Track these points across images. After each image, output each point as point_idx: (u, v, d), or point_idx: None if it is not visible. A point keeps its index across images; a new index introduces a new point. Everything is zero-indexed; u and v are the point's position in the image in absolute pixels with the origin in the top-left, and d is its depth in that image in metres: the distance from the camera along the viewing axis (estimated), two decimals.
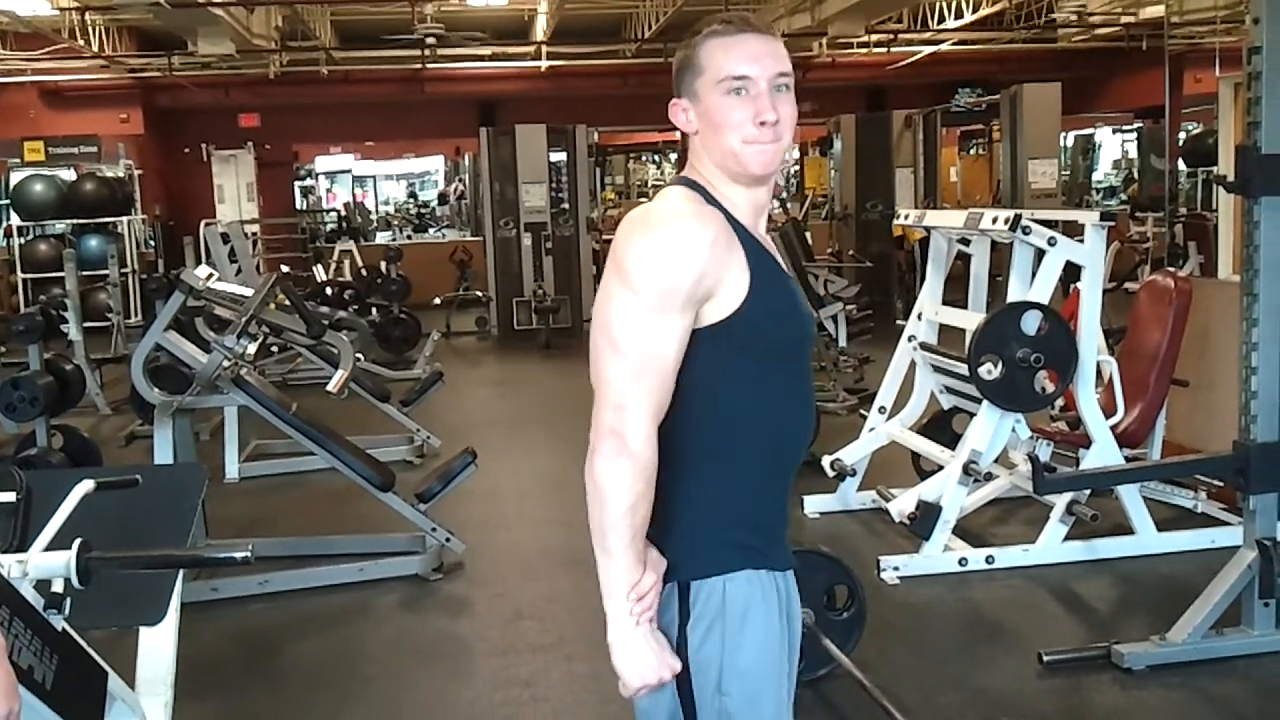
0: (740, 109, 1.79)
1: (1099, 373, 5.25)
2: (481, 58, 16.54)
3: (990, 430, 5.12)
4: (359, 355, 6.73)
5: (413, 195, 25.07)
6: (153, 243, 15.79)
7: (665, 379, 1.75)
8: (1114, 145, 20.10)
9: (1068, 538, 5.11)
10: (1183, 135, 13.51)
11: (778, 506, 1.89)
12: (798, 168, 20.06)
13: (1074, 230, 5.33)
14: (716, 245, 1.75)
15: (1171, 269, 7.13)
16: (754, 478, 1.84)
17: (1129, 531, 5.17)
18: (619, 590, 1.74)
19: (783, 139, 1.82)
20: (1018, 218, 5.08)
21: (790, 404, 1.86)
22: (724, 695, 1.77)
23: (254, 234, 14.78)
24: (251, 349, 5.30)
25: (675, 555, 1.79)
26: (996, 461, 5.46)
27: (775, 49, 1.82)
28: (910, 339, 5.98)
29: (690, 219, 1.78)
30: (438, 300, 14.04)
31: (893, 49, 16.13)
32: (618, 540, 1.72)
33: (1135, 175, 18.41)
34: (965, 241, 5.88)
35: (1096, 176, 19.83)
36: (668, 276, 1.73)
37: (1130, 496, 5.18)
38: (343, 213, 20.58)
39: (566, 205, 13.60)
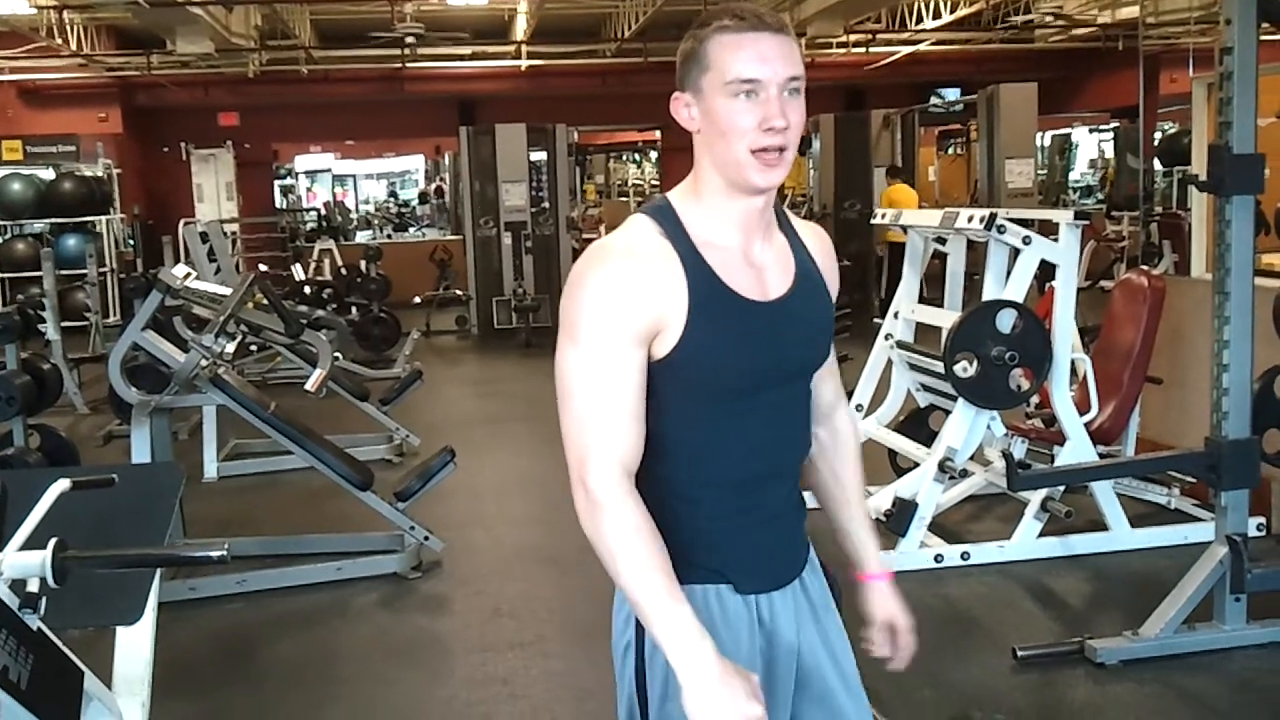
0: (748, 114, 1.68)
1: (1073, 370, 5.29)
2: (461, 57, 16.52)
3: (966, 427, 5.15)
4: (338, 354, 6.73)
5: (393, 194, 25.02)
6: (131, 242, 15.71)
7: (623, 419, 1.70)
8: (1090, 145, 20.19)
9: (1042, 534, 5.15)
10: (1158, 135, 13.60)
11: (741, 529, 1.82)
12: None
13: (1050, 229, 5.37)
14: (648, 282, 1.69)
15: (1146, 267, 7.17)
16: (707, 501, 1.79)
17: (1103, 527, 5.21)
18: (664, 633, 1.64)
19: (789, 148, 1.72)
20: (993, 217, 5.12)
21: (749, 435, 1.79)
22: (668, 701, 1.73)
23: (233, 233, 14.74)
24: (230, 348, 5.29)
25: None
26: (972, 459, 5.51)
27: (787, 50, 1.70)
28: (887, 337, 6.01)
29: (619, 258, 1.72)
30: (417, 299, 14.04)
31: (871, 49, 16.16)
32: (632, 584, 1.66)
33: (1111, 175, 18.50)
34: (942, 240, 5.92)
35: (1073, 176, 19.91)
36: (600, 320, 1.68)
37: (1104, 493, 5.22)
38: (322, 212, 20.50)
39: (546, 204, 13.59)
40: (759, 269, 1.79)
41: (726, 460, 1.79)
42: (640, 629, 1.75)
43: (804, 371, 1.89)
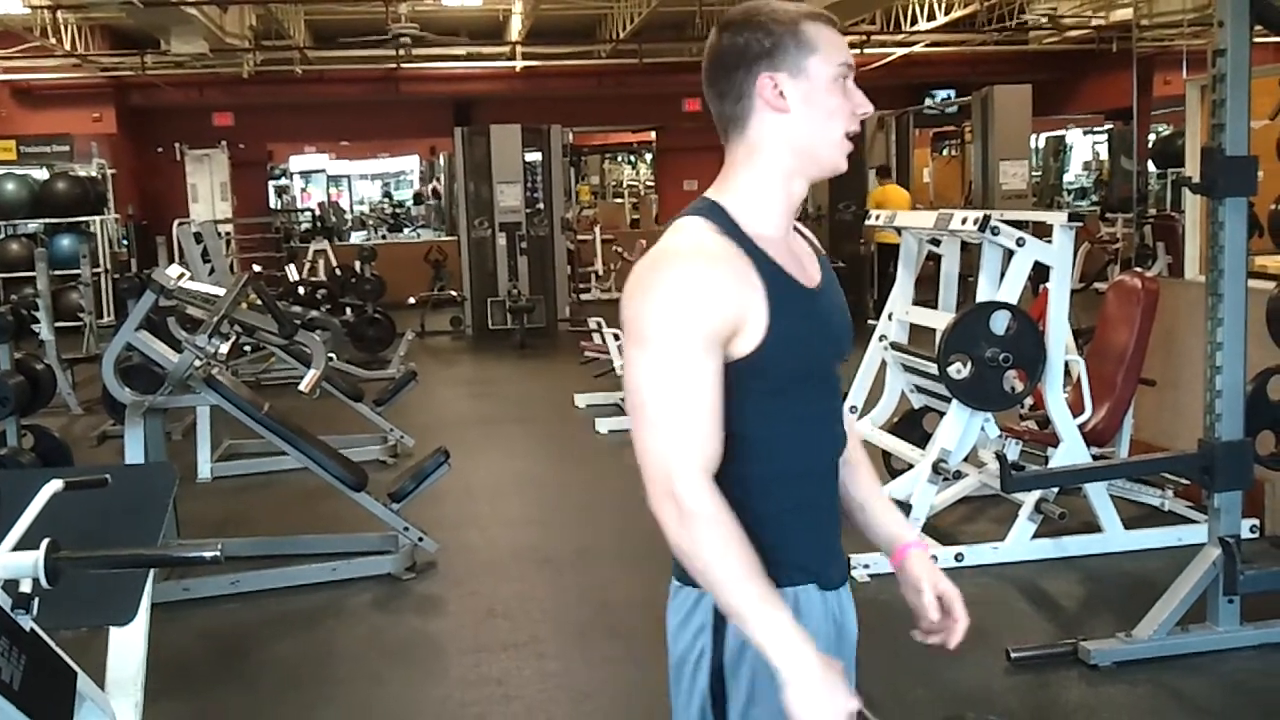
0: (846, 100, 1.73)
1: (1067, 372, 5.29)
2: (456, 58, 16.53)
3: (959, 429, 5.15)
4: (332, 355, 6.72)
5: (388, 195, 24.97)
6: (125, 242, 15.71)
7: (704, 426, 1.64)
8: (1085, 147, 20.22)
9: (1036, 535, 5.15)
10: (1152, 137, 13.62)
11: (814, 523, 1.81)
12: None
13: (1044, 231, 5.37)
14: (727, 282, 1.65)
15: (1139, 269, 7.18)
16: (783, 496, 1.76)
17: (1097, 529, 5.22)
18: (767, 638, 1.61)
19: None
20: (987, 218, 5.12)
21: (814, 425, 1.79)
22: (754, 707, 1.70)
23: (227, 234, 14.73)
24: (224, 348, 5.29)
25: None
26: (966, 460, 5.50)
27: None
28: (881, 339, 6.01)
29: (690, 260, 1.66)
30: (412, 300, 14.04)
31: (865, 50, 16.17)
32: (732, 592, 1.62)
33: (1105, 177, 18.52)
34: (936, 242, 5.92)
35: (1067, 178, 19.93)
36: (676, 325, 1.62)
37: (1098, 494, 5.22)
38: (317, 212, 20.49)
39: (541, 205, 13.60)
40: (798, 258, 1.79)
41: (792, 453, 1.76)
42: (717, 640, 1.72)
43: (842, 358, 1.88)
